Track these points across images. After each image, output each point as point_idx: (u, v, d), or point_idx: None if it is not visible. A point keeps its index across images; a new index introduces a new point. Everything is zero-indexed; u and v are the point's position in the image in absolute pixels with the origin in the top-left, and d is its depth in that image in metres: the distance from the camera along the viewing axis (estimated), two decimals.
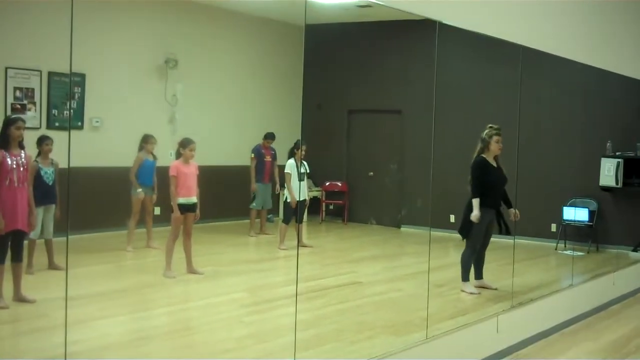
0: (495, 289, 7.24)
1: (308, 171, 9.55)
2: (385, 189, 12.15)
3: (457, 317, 6.31)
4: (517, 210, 7.36)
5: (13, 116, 6.03)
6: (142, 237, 8.71)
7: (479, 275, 7.37)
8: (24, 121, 6.00)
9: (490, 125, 7.31)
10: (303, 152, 9.41)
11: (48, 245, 7.08)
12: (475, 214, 7.07)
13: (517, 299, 6.92)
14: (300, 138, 9.10)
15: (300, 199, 9.35)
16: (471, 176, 7.23)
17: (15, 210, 5.85)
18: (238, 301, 6.75)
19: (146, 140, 8.73)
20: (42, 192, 6.54)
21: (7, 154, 5.82)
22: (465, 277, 7.22)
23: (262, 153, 10.19)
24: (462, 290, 7.17)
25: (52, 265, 7.08)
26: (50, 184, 6.79)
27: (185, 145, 7.48)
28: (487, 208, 7.16)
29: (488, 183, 7.17)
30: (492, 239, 7.40)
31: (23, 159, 5.92)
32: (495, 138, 7.20)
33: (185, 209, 7.45)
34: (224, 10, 11.24)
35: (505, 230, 7.38)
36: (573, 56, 7.98)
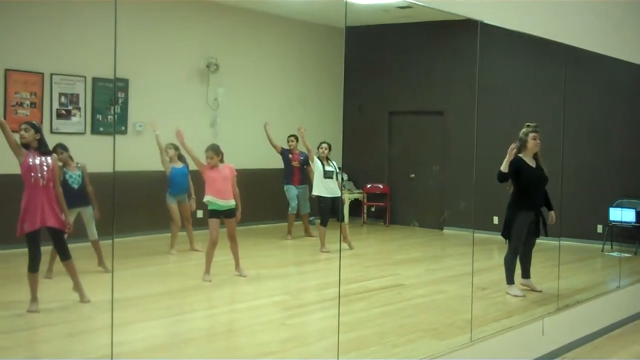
0: (540, 291, 7.14)
1: (337, 170, 9.51)
2: (428, 191, 12.08)
3: (502, 319, 6.23)
4: (553, 213, 7.23)
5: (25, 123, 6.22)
6: (185, 241, 8.79)
7: (525, 275, 7.26)
8: (31, 125, 6.11)
9: (527, 123, 7.15)
10: (324, 151, 9.44)
11: (95, 245, 7.18)
12: (503, 166, 6.80)
13: (563, 302, 6.81)
14: (341, 144, 9.07)
15: (331, 197, 9.33)
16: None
17: (42, 208, 5.94)
18: (280, 304, 6.76)
19: (167, 147, 8.73)
20: (70, 196, 6.62)
21: (29, 153, 5.96)
22: (509, 280, 7.11)
23: (289, 157, 10.19)
24: (507, 293, 7.06)
25: (101, 263, 7.17)
26: (76, 187, 6.90)
27: (205, 150, 7.54)
28: (526, 210, 7.03)
29: (524, 183, 7.01)
30: (538, 240, 7.27)
31: (49, 159, 6.02)
32: (532, 135, 7.04)
33: (222, 213, 7.48)
34: (265, 14, 11.29)
35: (543, 231, 7.19)
36: (619, 54, 7.84)
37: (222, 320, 6.35)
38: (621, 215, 9.52)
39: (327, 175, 9.35)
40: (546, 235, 7.22)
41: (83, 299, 6.22)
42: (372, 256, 9.88)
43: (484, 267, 7.93)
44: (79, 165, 6.97)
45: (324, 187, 9.37)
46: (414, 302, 6.97)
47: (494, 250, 8.88)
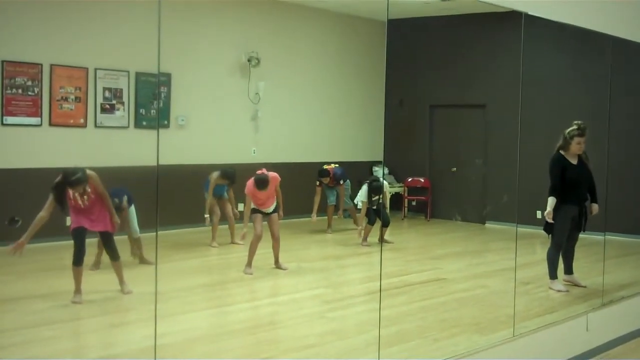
0: (584, 287, 7.03)
1: (383, 185, 9.51)
2: (469, 185, 11.98)
3: (545, 315, 6.15)
4: (596, 206, 7.10)
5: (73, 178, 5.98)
6: (225, 234, 8.85)
7: (568, 270, 7.16)
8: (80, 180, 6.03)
9: (576, 122, 6.99)
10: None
11: (136, 243, 7.26)
12: (548, 212, 6.84)
13: (607, 297, 6.70)
14: (382, 138, 9.01)
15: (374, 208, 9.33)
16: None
17: (88, 216, 6.08)
18: (320, 297, 6.77)
19: (224, 176, 8.67)
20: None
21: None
22: (552, 275, 7.02)
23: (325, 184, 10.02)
24: (550, 288, 6.97)
25: (142, 261, 7.28)
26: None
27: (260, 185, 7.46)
28: (569, 204, 6.91)
29: (565, 180, 6.90)
30: (581, 235, 7.17)
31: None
32: (576, 139, 6.91)
33: (265, 214, 7.53)
34: (305, 8, 11.30)
35: (583, 226, 7.07)
36: None
37: (263, 313, 6.38)
38: None
39: (373, 204, 9.33)
40: (583, 231, 7.11)
41: (124, 291, 6.32)
42: (413, 250, 9.84)
43: (526, 262, 7.84)
44: None
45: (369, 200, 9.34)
46: (456, 297, 6.93)
47: (536, 244, 8.76)
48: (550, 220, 6.85)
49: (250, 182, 7.46)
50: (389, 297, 6.41)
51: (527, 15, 5.70)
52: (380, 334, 4.96)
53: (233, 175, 8.66)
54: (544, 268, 7.08)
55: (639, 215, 9.53)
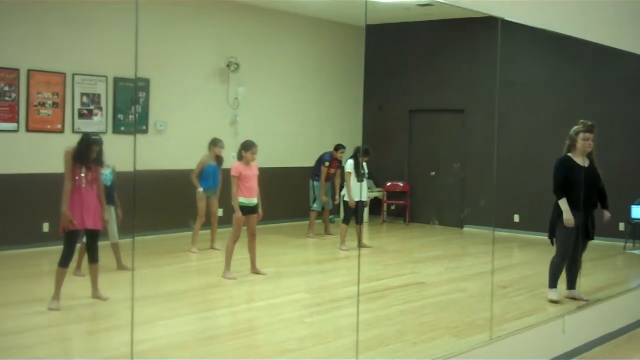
0: (587, 301, 6.73)
1: (367, 172, 9.54)
2: (448, 189, 12.04)
3: (523, 318, 6.20)
4: (607, 212, 6.86)
5: (94, 137, 6.28)
6: (205, 239, 8.83)
7: (570, 285, 6.82)
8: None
9: (581, 120, 6.76)
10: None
11: (115, 248, 7.24)
12: (567, 218, 6.51)
13: (582, 300, 6.76)
14: (361, 143, 9.08)
15: (360, 200, 9.33)
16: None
17: (88, 209, 6.08)
18: (299, 302, 6.78)
19: (215, 143, 8.82)
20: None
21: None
22: (551, 284, 6.71)
23: (328, 165, 10.20)
24: (546, 296, 6.73)
25: (120, 266, 7.25)
26: (108, 184, 6.93)
27: (247, 147, 7.54)
28: (575, 210, 6.58)
29: (570, 183, 6.62)
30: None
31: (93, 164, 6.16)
32: (582, 135, 6.62)
33: (247, 210, 7.52)
34: (285, 13, 11.31)
35: (590, 234, 6.80)
36: None
37: (242, 318, 6.38)
38: None
39: (360, 179, 9.31)
40: (591, 239, 6.84)
41: (98, 296, 6.29)
42: (391, 254, 9.87)
43: (504, 266, 7.90)
44: (109, 164, 6.97)
45: (357, 191, 9.30)
46: (434, 300, 6.96)
47: (514, 248, 8.85)
48: (569, 224, 6.51)
49: (236, 163, 7.53)
50: (367, 301, 6.44)
51: (503, 21, 5.76)
52: (359, 338, 4.97)
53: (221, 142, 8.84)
54: (520, 271, 7.14)
55: (614, 219, 9.61)
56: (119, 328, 5.43)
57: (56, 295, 6.00)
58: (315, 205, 10.25)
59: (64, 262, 6.02)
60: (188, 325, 5.93)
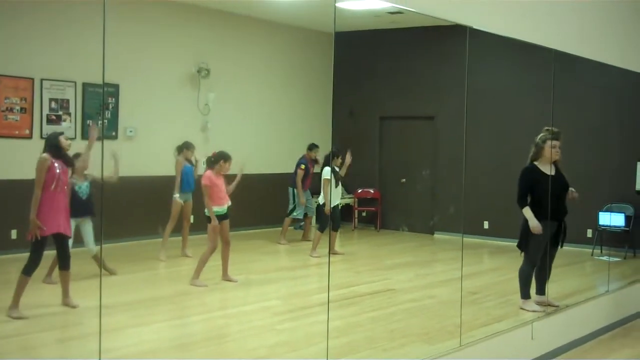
0: (557, 306, 6.78)
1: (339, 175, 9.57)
2: (418, 196, 12.09)
3: (492, 324, 6.25)
4: (572, 190, 6.80)
5: (59, 131, 6.30)
6: (175, 246, 8.77)
7: (540, 290, 6.80)
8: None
9: (546, 127, 6.77)
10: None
11: (97, 260, 7.03)
12: (532, 225, 6.46)
13: (552, 307, 6.82)
14: (332, 147, 9.10)
15: (336, 205, 9.36)
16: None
17: (58, 215, 6.01)
18: (270, 309, 6.76)
19: (187, 147, 8.79)
20: (76, 206, 6.61)
21: (54, 160, 6.02)
22: (524, 294, 6.65)
23: (308, 167, 10.20)
24: (522, 309, 6.63)
25: (107, 272, 7.10)
26: (84, 198, 6.84)
27: (226, 158, 7.54)
28: (545, 220, 6.54)
29: (537, 193, 6.58)
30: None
31: (64, 166, 6.11)
32: (548, 143, 6.60)
33: (221, 217, 7.50)
34: (254, 19, 11.30)
35: (560, 242, 6.81)
36: (607, 59, 7.88)
37: (213, 325, 6.34)
38: (610, 219, 9.56)
39: (337, 184, 9.32)
40: (561, 247, 6.85)
41: (68, 303, 6.20)
42: (362, 261, 9.89)
43: (474, 272, 7.95)
44: (87, 176, 6.87)
45: (335, 195, 9.29)
46: (405, 307, 6.99)
47: (484, 254, 8.91)
48: (537, 232, 6.47)
49: (208, 172, 7.53)
50: (338, 308, 6.44)
51: (471, 29, 5.81)
52: (330, 345, 4.98)
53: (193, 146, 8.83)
54: (491, 278, 7.19)
55: (582, 225, 9.76)
56: (89, 336, 5.36)
57: (15, 304, 5.86)
58: (295, 213, 10.21)
59: (29, 270, 5.90)
60: (158, 333, 5.89)
